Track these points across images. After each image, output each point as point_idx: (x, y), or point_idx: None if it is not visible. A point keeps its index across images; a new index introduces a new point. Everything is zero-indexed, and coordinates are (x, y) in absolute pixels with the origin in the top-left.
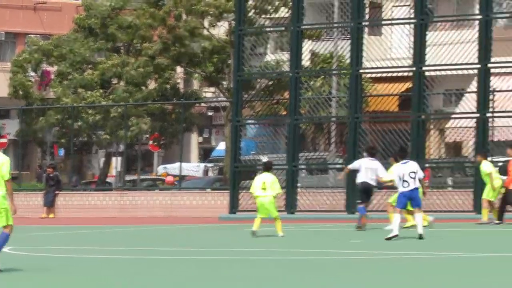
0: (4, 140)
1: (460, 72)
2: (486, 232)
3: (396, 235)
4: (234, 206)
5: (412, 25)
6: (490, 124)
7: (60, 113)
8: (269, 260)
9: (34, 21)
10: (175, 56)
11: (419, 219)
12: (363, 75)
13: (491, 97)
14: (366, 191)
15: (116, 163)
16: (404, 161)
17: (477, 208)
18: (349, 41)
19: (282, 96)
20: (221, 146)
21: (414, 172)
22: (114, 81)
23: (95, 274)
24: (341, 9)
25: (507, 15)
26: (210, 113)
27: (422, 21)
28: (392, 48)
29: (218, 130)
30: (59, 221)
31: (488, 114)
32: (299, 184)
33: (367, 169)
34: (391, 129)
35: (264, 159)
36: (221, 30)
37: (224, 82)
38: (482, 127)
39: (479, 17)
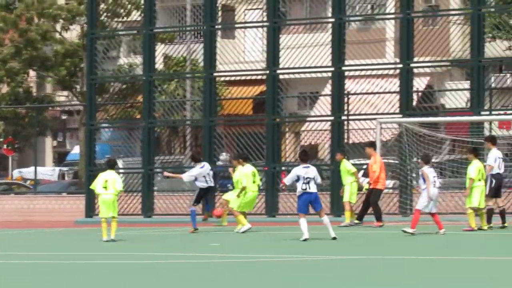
0: None
1: (314, 75)
2: (344, 235)
3: (307, 238)
4: (90, 210)
5: (265, 28)
6: (345, 127)
7: None
8: (129, 264)
9: None
10: (27, 60)
11: (327, 221)
12: (217, 79)
13: (345, 100)
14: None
15: None
16: (306, 165)
17: (334, 211)
18: (202, 44)
19: (136, 99)
20: (76, 150)
21: (313, 175)
22: None
23: None
24: (193, 12)
25: (360, 18)
26: (64, 117)
27: (275, 24)
28: (245, 51)
29: (72, 134)
30: None
31: (343, 117)
32: (155, 188)
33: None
34: (246, 132)
35: (120, 163)
36: (73, 33)
37: (78, 86)
38: (338, 130)
39: (332, 20)
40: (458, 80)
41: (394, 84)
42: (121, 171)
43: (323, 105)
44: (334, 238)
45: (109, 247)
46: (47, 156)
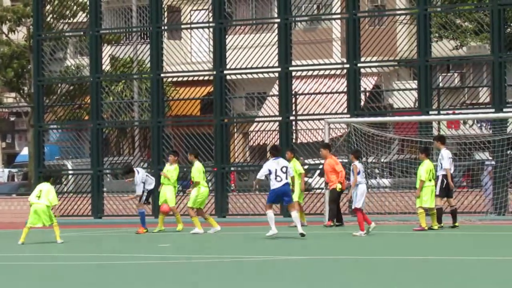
0: None
1: (261, 75)
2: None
3: (275, 233)
4: None
5: (211, 29)
6: (293, 127)
7: None
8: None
9: None
10: None
11: (295, 215)
12: (165, 79)
13: (293, 100)
14: None
15: None
16: (276, 157)
17: (284, 211)
18: (149, 45)
19: (84, 100)
20: (25, 151)
21: (285, 167)
22: None
23: None
24: (139, 13)
25: (306, 18)
26: (12, 119)
27: (221, 25)
28: (192, 52)
29: (21, 135)
30: None
31: (291, 117)
32: (104, 189)
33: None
34: (195, 133)
35: (69, 164)
36: (20, 35)
37: (25, 88)
38: (286, 130)
39: (278, 20)
40: (406, 80)
41: (342, 84)
42: (70, 172)
43: (271, 106)
44: (303, 235)
45: (60, 248)
46: None
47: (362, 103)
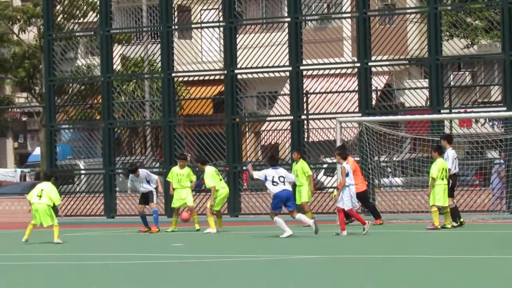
0: None
1: (272, 75)
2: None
3: (291, 234)
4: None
5: (222, 29)
6: (305, 126)
7: None
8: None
9: None
10: None
11: (301, 216)
12: (176, 79)
13: (304, 99)
14: None
15: None
16: (275, 167)
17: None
18: (160, 45)
19: (95, 100)
20: (37, 151)
21: (283, 177)
22: None
23: None
24: (150, 13)
25: (316, 17)
26: (24, 119)
27: (231, 24)
28: (203, 52)
29: (33, 135)
30: None
31: (303, 116)
32: (117, 189)
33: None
34: (206, 132)
35: (81, 163)
36: (30, 35)
37: (37, 87)
38: (297, 129)
39: (288, 19)
40: (417, 78)
41: (353, 83)
42: (82, 172)
43: (282, 105)
44: (317, 231)
45: (73, 248)
46: (8, 157)
47: (374, 102)
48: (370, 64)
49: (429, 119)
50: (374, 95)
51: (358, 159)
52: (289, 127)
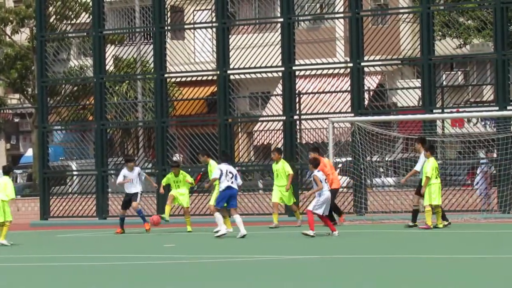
0: None
1: (265, 75)
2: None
3: (225, 234)
4: (45, 213)
5: (215, 29)
6: (297, 127)
7: None
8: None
9: None
10: None
11: (239, 220)
12: (168, 80)
13: (297, 99)
14: None
15: None
16: (225, 162)
17: (289, 210)
18: (152, 46)
19: (88, 101)
20: (29, 152)
21: (232, 174)
22: None
23: None
24: (142, 14)
25: (309, 17)
26: (16, 120)
27: (224, 25)
28: (195, 52)
29: (25, 136)
30: None
31: (295, 117)
32: (109, 190)
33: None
34: (199, 133)
35: (73, 164)
36: (23, 36)
37: (29, 89)
38: (290, 130)
39: (281, 20)
40: (410, 78)
41: (345, 83)
42: (74, 173)
43: (275, 105)
44: (244, 236)
45: (68, 249)
46: (0, 158)
47: (366, 102)
48: (362, 64)
49: (422, 119)
50: (366, 95)
51: (350, 159)
52: (281, 128)
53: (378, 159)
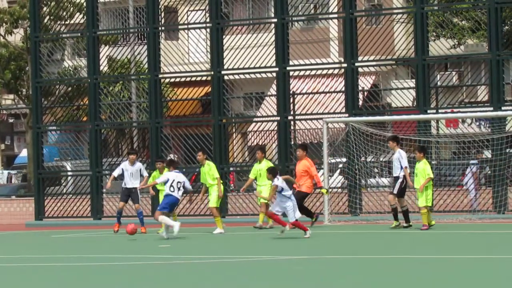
0: None
1: (259, 75)
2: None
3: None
4: (40, 213)
5: (209, 29)
6: (291, 127)
7: None
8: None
9: None
10: None
11: (165, 220)
12: (162, 80)
13: (291, 100)
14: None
15: None
16: (177, 170)
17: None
18: (146, 46)
19: (82, 102)
20: (24, 153)
21: (181, 183)
22: None
23: None
24: (136, 14)
25: (303, 17)
26: (10, 120)
27: (218, 25)
28: (190, 53)
29: (20, 137)
30: None
31: (289, 117)
32: (104, 190)
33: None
34: (193, 133)
35: (68, 165)
36: (17, 37)
37: (23, 89)
38: (284, 130)
39: (275, 20)
40: (404, 78)
41: (340, 83)
42: (69, 173)
43: (269, 105)
44: (167, 239)
45: (63, 249)
46: None
47: (360, 102)
48: (356, 64)
49: (416, 119)
50: (360, 96)
51: (344, 159)
52: (276, 128)
53: (372, 160)
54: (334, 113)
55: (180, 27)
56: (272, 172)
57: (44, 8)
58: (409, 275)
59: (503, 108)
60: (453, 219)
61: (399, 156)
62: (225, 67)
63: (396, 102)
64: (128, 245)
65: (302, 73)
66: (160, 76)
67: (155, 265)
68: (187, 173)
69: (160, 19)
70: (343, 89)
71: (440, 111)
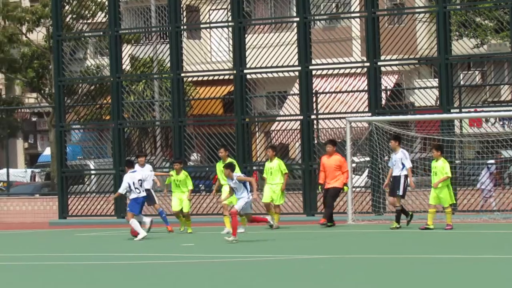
0: None
1: (281, 74)
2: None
3: (144, 237)
4: (64, 211)
5: (231, 28)
6: (314, 126)
7: None
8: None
9: None
10: None
11: (134, 223)
12: (185, 79)
13: (314, 99)
14: None
15: None
16: (133, 170)
17: (307, 210)
18: (168, 45)
19: (104, 100)
20: (47, 151)
21: (141, 180)
22: None
23: None
24: (158, 13)
25: (325, 17)
26: (34, 119)
27: (240, 24)
28: (212, 52)
29: (43, 135)
30: None
31: (313, 116)
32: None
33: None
34: (216, 132)
35: (91, 163)
36: (39, 35)
37: (46, 88)
38: (307, 129)
39: (297, 19)
40: (427, 78)
41: (362, 83)
42: (92, 172)
43: (292, 105)
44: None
45: (85, 248)
46: (18, 158)
47: (383, 101)
48: (379, 63)
49: (439, 118)
50: (383, 95)
51: (368, 159)
52: (298, 127)
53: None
54: (357, 112)
55: (202, 26)
56: (231, 168)
57: (66, 7)
58: (433, 275)
59: None
60: (477, 219)
61: (403, 156)
62: (248, 66)
63: (419, 101)
64: (152, 244)
65: (324, 72)
66: (183, 75)
67: (179, 264)
68: (211, 171)
69: (182, 18)
70: (366, 88)
71: (463, 110)
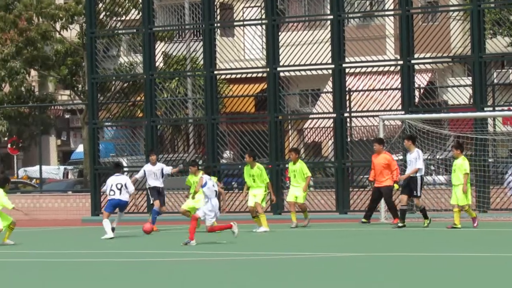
0: None
1: (315, 72)
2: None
3: (112, 237)
4: (96, 208)
5: (264, 26)
6: (347, 124)
7: None
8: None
9: None
10: (28, 59)
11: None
12: (218, 76)
13: (347, 97)
14: None
15: None
16: (118, 174)
17: (340, 208)
18: (202, 43)
19: (138, 98)
20: (80, 148)
21: (121, 184)
22: None
23: None
24: (192, 10)
25: (359, 14)
26: (67, 116)
27: (274, 22)
28: (245, 49)
29: (76, 132)
30: None
31: (346, 114)
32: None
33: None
34: (249, 130)
35: (124, 161)
36: (73, 33)
37: (79, 85)
38: (340, 127)
39: (331, 17)
40: (460, 76)
41: (396, 81)
42: (125, 169)
43: (325, 102)
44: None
45: (118, 245)
46: (51, 155)
47: (417, 99)
48: (412, 61)
49: (473, 117)
50: (417, 93)
51: (401, 157)
52: (331, 125)
53: (429, 157)
54: (390, 110)
55: (235, 23)
56: (195, 166)
57: (100, 4)
58: (466, 273)
59: None
60: (510, 217)
61: (417, 156)
62: (281, 63)
63: (453, 100)
64: (179, 241)
65: (358, 70)
66: (216, 72)
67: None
68: (243, 169)
69: (215, 16)
70: (399, 86)
71: (496, 108)
